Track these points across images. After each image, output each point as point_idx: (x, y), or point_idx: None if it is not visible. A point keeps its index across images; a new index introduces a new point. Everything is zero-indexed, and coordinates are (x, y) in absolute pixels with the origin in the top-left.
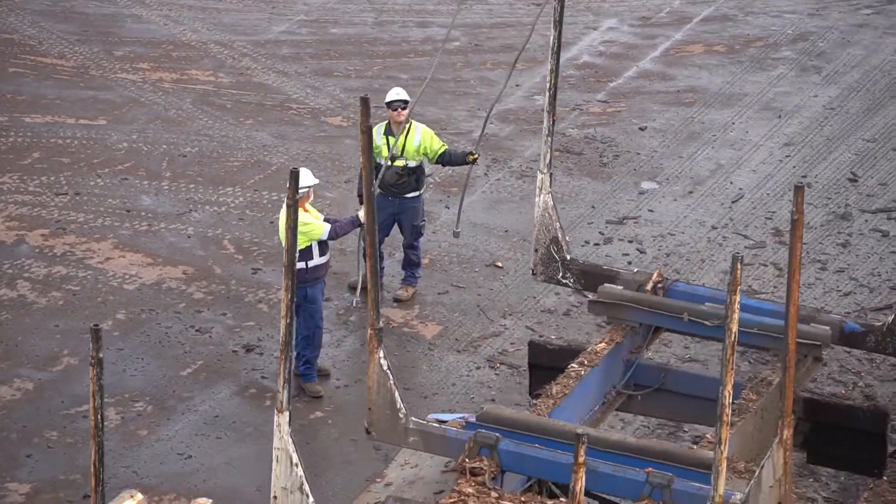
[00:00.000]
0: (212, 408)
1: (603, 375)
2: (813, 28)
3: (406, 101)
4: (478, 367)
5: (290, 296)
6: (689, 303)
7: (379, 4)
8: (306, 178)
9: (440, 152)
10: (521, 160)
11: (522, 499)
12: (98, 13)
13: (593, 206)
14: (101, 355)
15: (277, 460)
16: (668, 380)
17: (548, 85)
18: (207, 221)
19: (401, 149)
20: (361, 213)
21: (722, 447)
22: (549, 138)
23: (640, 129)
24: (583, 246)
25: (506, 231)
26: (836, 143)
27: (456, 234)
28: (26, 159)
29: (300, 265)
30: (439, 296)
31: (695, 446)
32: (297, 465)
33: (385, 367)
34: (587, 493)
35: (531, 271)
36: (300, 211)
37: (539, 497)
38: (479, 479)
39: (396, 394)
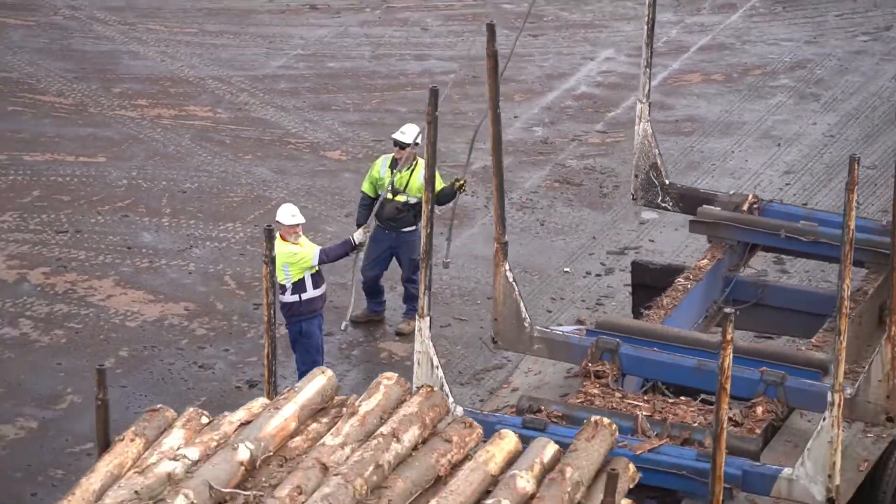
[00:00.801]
0: None
1: (705, 290)
2: (811, 55)
3: (408, 144)
4: (481, 400)
5: None
6: (784, 221)
7: (376, 38)
8: (283, 215)
9: (438, 192)
10: (521, 191)
11: (645, 398)
12: (95, 50)
13: (594, 237)
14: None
15: (419, 363)
16: (765, 294)
17: (646, 18)
18: (208, 257)
19: (404, 185)
20: (356, 235)
21: (841, 337)
22: (648, 69)
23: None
24: (584, 277)
25: None
26: (836, 170)
27: (445, 265)
28: (26, 197)
29: (293, 298)
30: (441, 329)
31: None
32: (437, 367)
33: (511, 280)
34: (703, 401)
35: (631, 196)
36: (287, 243)
37: (661, 396)
38: (603, 380)
39: (522, 304)
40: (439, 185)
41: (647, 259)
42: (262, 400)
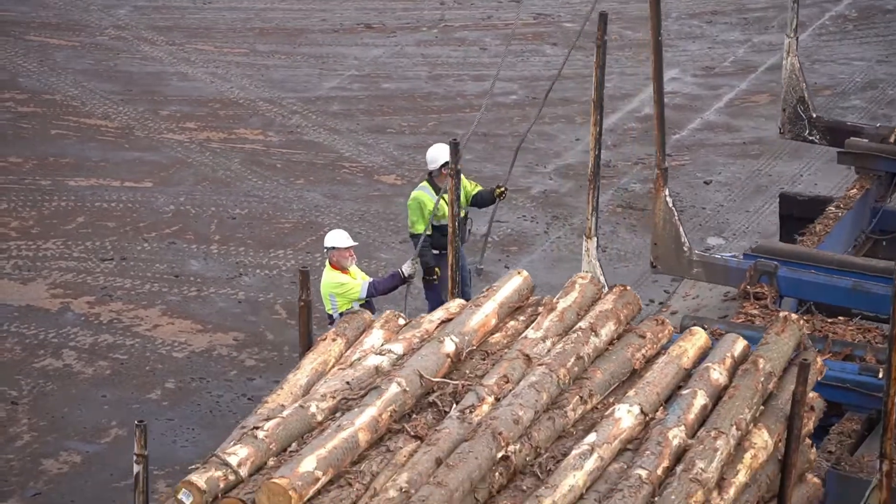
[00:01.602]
0: None
1: (854, 219)
2: (882, 75)
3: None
4: None
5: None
6: None
7: (433, 58)
8: (338, 239)
9: (473, 193)
10: (581, 217)
11: (805, 318)
12: (142, 72)
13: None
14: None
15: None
16: None
17: None
18: (258, 286)
19: (466, 194)
20: (405, 267)
21: None
22: (796, 4)
23: (705, 182)
24: (647, 304)
25: None
26: None
27: (479, 272)
28: (70, 224)
29: None
30: None
31: None
32: (603, 286)
33: (670, 205)
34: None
35: (779, 130)
36: (336, 272)
37: (820, 316)
38: (762, 302)
39: (681, 228)
40: (472, 185)
41: (795, 191)
42: (460, 300)
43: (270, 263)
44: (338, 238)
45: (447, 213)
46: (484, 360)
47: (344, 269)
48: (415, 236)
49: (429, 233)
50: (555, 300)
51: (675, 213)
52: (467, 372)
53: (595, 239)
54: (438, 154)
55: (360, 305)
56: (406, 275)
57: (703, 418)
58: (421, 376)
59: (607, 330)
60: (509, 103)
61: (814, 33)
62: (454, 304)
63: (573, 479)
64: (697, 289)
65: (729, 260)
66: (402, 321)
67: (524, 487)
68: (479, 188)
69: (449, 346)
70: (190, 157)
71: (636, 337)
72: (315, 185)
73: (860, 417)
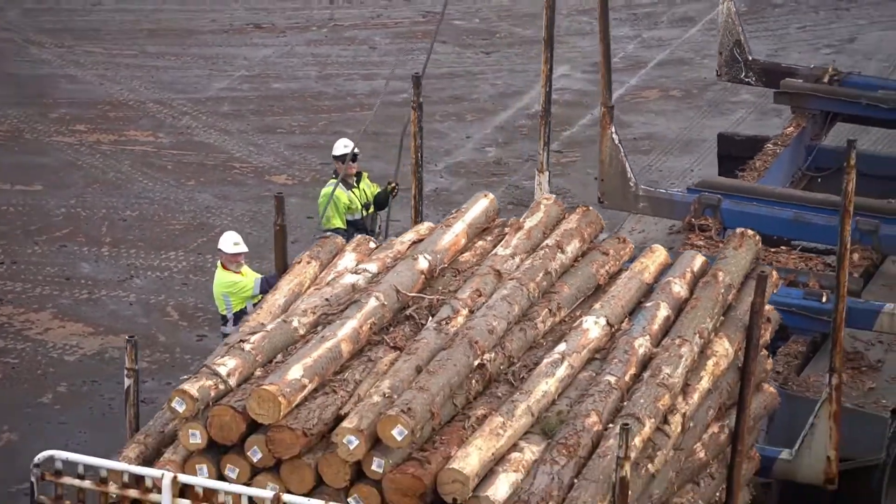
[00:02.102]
0: None
1: (791, 156)
2: None
3: (357, 154)
4: None
5: None
6: (864, 90)
7: (322, 58)
8: (226, 244)
9: (375, 194)
10: None
11: None
12: (31, 74)
13: None
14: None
15: None
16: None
17: None
18: (150, 287)
19: (366, 196)
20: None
21: None
22: None
23: (597, 179)
24: None
25: None
26: None
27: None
28: None
29: (235, 329)
30: None
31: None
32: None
33: (616, 142)
34: (803, 249)
35: (716, 73)
36: (228, 272)
37: (762, 246)
38: (707, 233)
39: (627, 164)
40: (375, 190)
41: (732, 131)
42: (428, 223)
43: (162, 265)
44: (225, 242)
45: (359, 207)
46: (456, 276)
47: (236, 270)
48: (336, 230)
49: (344, 226)
50: (521, 220)
51: (622, 150)
52: (440, 288)
53: (547, 173)
54: (346, 144)
55: (254, 305)
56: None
57: (667, 329)
58: (398, 291)
59: (572, 247)
60: (399, 102)
61: (703, 28)
62: (424, 227)
63: (546, 385)
64: (643, 223)
65: (674, 194)
66: (372, 244)
67: (499, 394)
68: (378, 189)
69: (422, 264)
70: (80, 160)
71: (600, 254)
72: (206, 186)
73: (805, 340)
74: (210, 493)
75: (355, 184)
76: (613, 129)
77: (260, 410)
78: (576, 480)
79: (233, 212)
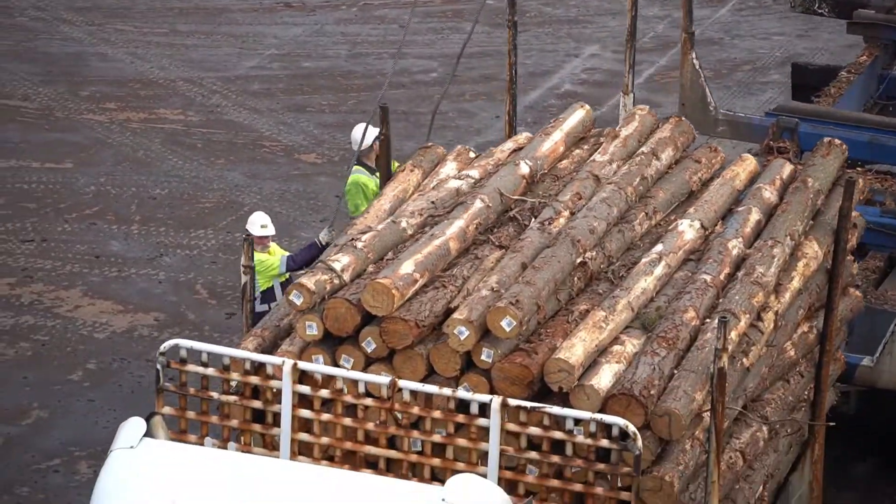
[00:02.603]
0: None
1: (864, 84)
2: (802, 50)
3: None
4: None
5: None
6: None
7: (352, 36)
8: (253, 226)
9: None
10: None
11: None
12: (62, 52)
13: None
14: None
15: None
16: None
17: None
18: (179, 266)
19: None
20: (322, 235)
21: None
22: None
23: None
24: None
25: None
26: None
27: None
28: None
29: (263, 307)
30: None
31: None
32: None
33: (697, 66)
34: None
35: (790, 5)
36: (255, 253)
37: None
38: (785, 155)
39: (707, 89)
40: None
41: (805, 61)
42: (526, 133)
43: (191, 243)
44: (254, 225)
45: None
46: (555, 181)
47: (262, 251)
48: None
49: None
50: (617, 129)
51: (702, 75)
52: (541, 192)
53: (632, 95)
54: (360, 134)
55: (282, 283)
56: (324, 243)
57: (758, 232)
58: (501, 194)
59: (666, 155)
60: (429, 81)
61: (733, 8)
62: (522, 136)
63: (644, 282)
64: (721, 146)
65: (753, 118)
66: (472, 154)
67: (600, 291)
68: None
69: (524, 169)
70: (110, 138)
71: (692, 162)
72: (235, 165)
73: (882, 256)
74: (328, 381)
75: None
76: (694, 55)
77: (374, 303)
78: (675, 371)
79: (262, 190)
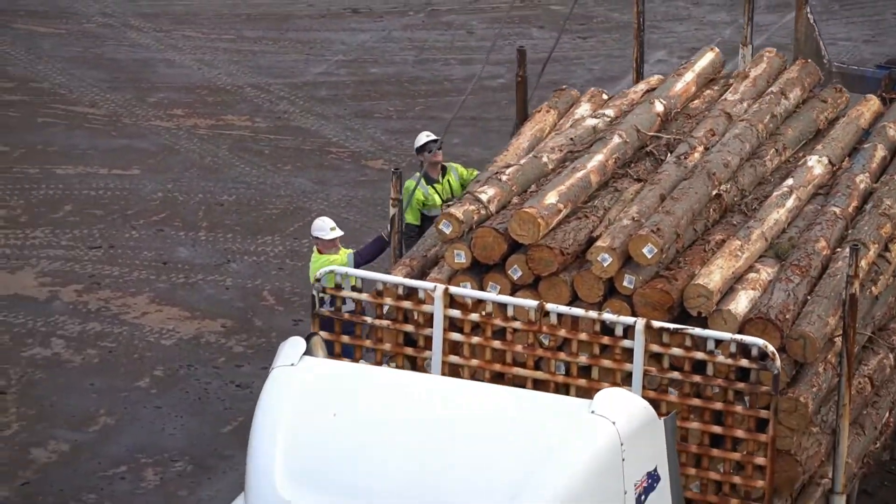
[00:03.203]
0: None
1: None
2: (868, 55)
3: (437, 140)
4: None
5: None
6: None
7: (419, 42)
8: (322, 229)
9: (472, 179)
10: None
11: None
12: (129, 59)
13: None
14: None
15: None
16: None
17: None
18: (246, 272)
19: (450, 190)
20: (386, 230)
21: None
22: None
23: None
24: None
25: None
26: None
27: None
28: (58, 212)
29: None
30: None
31: None
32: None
33: (812, 21)
34: None
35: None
36: (322, 256)
37: None
38: None
39: (821, 42)
40: (474, 174)
41: None
42: (658, 75)
43: (258, 250)
44: (322, 229)
45: (437, 203)
46: (688, 119)
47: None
48: (407, 226)
49: (416, 223)
50: (746, 70)
51: (816, 29)
52: (675, 129)
53: (750, 47)
54: (429, 135)
55: None
56: (386, 237)
57: (884, 168)
58: (637, 130)
59: (794, 94)
60: (496, 87)
61: None
62: (654, 78)
63: (777, 214)
64: None
65: (865, 70)
66: (605, 96)
67: (734, 222)
68: (477, 173)
69: (658, 107)
70: (177, 144)
71: (819, 102)
72: (302, 171)
73: None
74: (476, 305)
75: (439, 178)
76: (808, 9)
77: (521, 231)
78: (808, 297)
79: (329, 197)
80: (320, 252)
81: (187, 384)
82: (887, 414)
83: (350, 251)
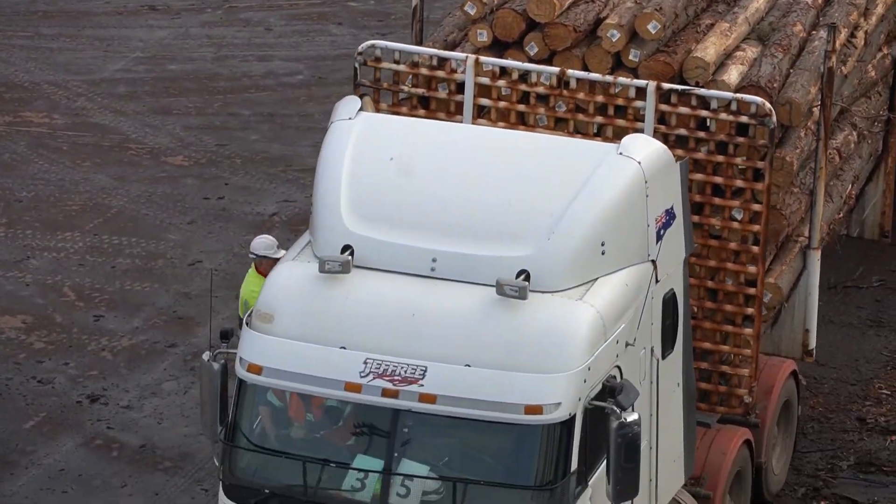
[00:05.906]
0: (56, 461)
1: None
2: None
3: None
4: None
5: None
6: None
7: (217, 39)
8: (270, 246)
9: None
10: None
11: None
12: None
13: None
14: None
15: None
16: None
17: None
18: (46, 268)
19: None
20: None
21: None
22: None
23: None
24: None
25: None
26: None
27: None
28: None
29: None
30: None
31: None
32: None
33: None
34: None
35: None
36: (258, 277)
37: None
38: None
39: None
40: None
41: None
42: None
43: (58, 246)
44: (268, 248)
45: None
46: None
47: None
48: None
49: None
50: None
51: None
52: None
53: None
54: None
55: None
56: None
57: None
58: None
59: None
60: (295, 83)
61: None
62: None
63: (757, 3)
64: None
65: None
66: None
67: (720, 10)
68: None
69: None
70: None
71: None
72: (102, 168)
73: None
74: (502, 73)
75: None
76: None
77: (538, 11)
78: (791, 70)
79: (129, 192)
80: (258, 271)
81: None
82: (850, 186)
83: None
